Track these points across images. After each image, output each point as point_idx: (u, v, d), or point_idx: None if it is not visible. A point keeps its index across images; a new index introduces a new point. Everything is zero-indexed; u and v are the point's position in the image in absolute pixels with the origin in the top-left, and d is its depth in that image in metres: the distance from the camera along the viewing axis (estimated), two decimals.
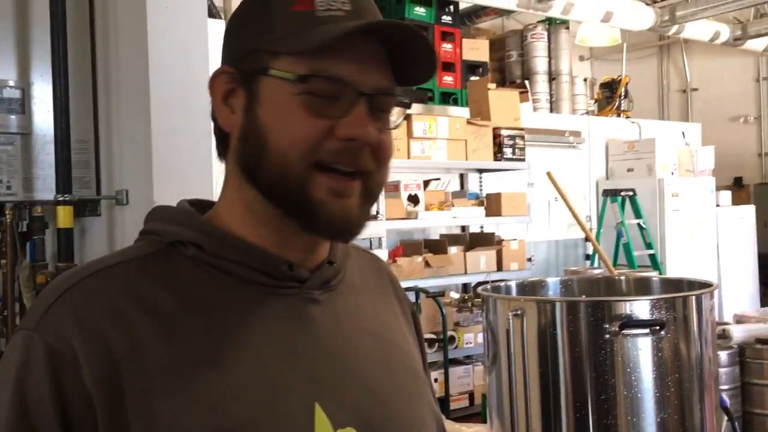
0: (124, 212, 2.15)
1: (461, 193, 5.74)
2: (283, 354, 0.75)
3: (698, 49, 8.91)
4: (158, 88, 1.98)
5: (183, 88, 1.97)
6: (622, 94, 7.70)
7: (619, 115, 7.61)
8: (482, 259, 5.41)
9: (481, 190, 5.95)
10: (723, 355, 3.46)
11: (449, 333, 4.88)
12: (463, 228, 5.98)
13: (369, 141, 0.74)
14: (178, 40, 1.96)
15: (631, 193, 6.37)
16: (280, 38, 0.74)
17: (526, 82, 7.13)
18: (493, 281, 1.91)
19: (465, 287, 5.66)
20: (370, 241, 4.91)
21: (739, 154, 8.67)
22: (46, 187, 2.23)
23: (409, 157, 5.07)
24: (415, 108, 5.55)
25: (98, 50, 2.24)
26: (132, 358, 0.69)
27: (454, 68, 6.07)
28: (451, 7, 6.12)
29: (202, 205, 0.83)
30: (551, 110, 7.33)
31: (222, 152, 0.81)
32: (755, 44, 7.87)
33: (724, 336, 3.55)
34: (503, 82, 7.25)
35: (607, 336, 1.49)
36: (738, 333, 3.57)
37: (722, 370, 3.46)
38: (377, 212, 4.76)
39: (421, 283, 4.86)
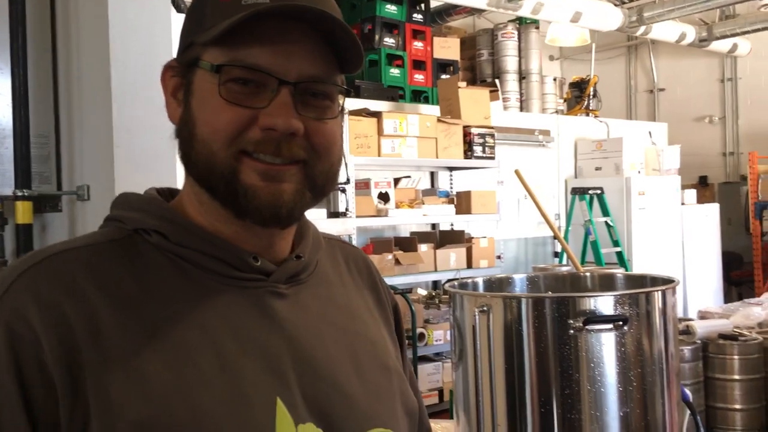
0: (86, 208, 2.12)
1: (431, 191, 5.76)
2: (246, 347, 0.74)
3: (665, 50, 9.04)
4: (120, 82, 1.95)
5: (146, 82, 1.94)
6: (591, 93, 7.78)
7: (587, 115, 7.69)
8: (452, 257, 5.43)
9: (451, 188, 5.97)
10: (686, 351, 3.52)
11: (419, 330, 4.89)
12: (434, 226, 5.99)
13: (289, 130, 0.73)
14: (141, 32, 1.93)
15: (599, 192, 6.44)
16: (206, 29, 0.74)
17: (497, 81, 7.17)
18: (462, 278, 1.92)
19: (435, 284, 5.67)
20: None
21: (704, 154, 8.82)
22: (4, 182, 2.18)
23: (379, 155, 5.06)
24: (386, 105, 5.55)
25: (59, 41, 2.19)
26: (92, 339, 0.68)
27: (425, 66, 6.08)
28: (422, 6, 6.14)
29: (171, 194, 0.82)
30: (521, 109, 7.38)
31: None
32: (720, 45, 8.01)
33: (688, 332, 3.60)
34: (474, 80, 7.28)
35: (572, 331, 1.50)
36: (701, 329, 3.63)
37: (686, 365, 3.51)
38: (347, 209, 4.75)
39: (392, 281, 4.86)
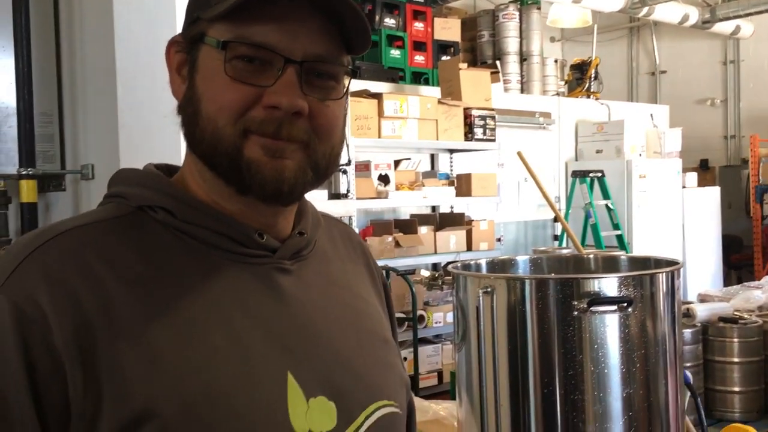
0: (90, 187, 2.11)
1: (432, 173, 5.75)
2: (255, 322, 0.74)
3: (667, 31, 8.99)
4: (125, 60, 1.94)
5: (150, 60, 1.93)
6: (592, 75, 7.75)
7: (588, 97, 7.67)
8: (452, 239, 5.44)
9: (451, 170, 5.97)
10: (687, 333, 3.53)
11: (419, 312, 4.90)
12: (434, 208, 5.99)
13: (294, 109, 0.73)
14: (145, 11, 1.91)
15: (599, 175, 6.44)
16: (213, 4, 0.73)
17: (498, 62, 7.13)
18: (462, 261, 1.92)
19: (435, 267, 5.68)
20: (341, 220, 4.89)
21: (706, 137, 8.80)
22: (8, 161, 2.18)
23: (379, 137, 5.05)
24: (386, 87, 5.53)
25: (62, 20, 2.18)
26: (104, 316, 0.67)
27: (426, 48, 6.05)
28: None
29: (169, 170, 0.82)
30: (522, 91, 7.36)
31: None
32: (723, 27, 7.97)
33: (688, 315, 3.62)
34: (474, 62, 7.24)
35: (576, 313, 1.50)
36: (701, 312, 3.64)
37: (686, 348, 3.53)
38: (347, 191, 4.74)
39: (391, 263, 4.87)
